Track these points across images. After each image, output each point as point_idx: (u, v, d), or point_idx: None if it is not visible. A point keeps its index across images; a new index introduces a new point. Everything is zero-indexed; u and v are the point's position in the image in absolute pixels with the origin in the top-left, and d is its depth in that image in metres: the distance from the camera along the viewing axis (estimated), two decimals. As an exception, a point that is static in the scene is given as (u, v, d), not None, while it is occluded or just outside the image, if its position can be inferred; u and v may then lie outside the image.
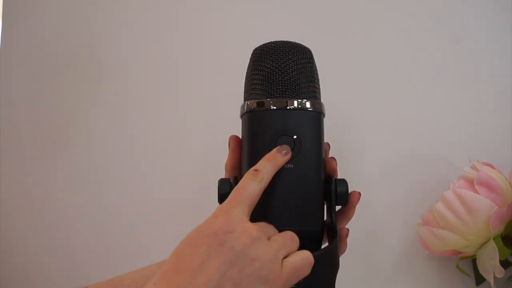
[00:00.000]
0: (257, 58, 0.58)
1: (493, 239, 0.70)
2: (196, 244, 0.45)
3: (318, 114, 0.57)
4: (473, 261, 0.76)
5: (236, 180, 0.55)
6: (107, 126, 0.98)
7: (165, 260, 0.47)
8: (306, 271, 0.49)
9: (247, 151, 0.57)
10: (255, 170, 0.51)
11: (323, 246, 0.57)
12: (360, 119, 0.85)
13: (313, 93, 0.58)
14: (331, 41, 0.87)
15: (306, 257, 0.49)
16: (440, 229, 0.71)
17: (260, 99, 0.57)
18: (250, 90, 0.58)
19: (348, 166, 0.82)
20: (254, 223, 0.48)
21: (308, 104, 0.56)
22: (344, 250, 0.57)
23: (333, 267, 0.54)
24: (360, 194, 0.57)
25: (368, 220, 0.82)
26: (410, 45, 0.85)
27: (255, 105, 0.56)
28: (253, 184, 0.50)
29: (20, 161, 1.02)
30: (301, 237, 0.52)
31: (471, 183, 0.71)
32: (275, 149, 0.54)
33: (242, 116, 0.58)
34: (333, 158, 0.57)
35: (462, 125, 0.82)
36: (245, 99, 0.59)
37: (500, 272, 0.69)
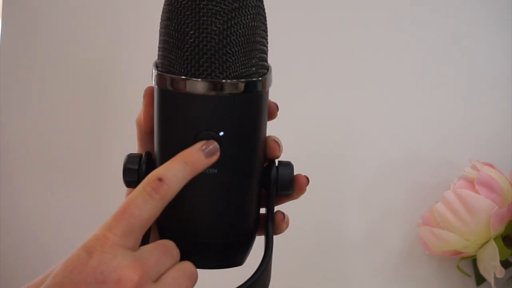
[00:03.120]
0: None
1: (494, 239, 0.70)
2: None
3: (259, 96, 0.40)
4: (474, 261, 0.76)
5: (149, 157, 0.42)
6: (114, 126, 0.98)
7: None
8: None
9: (158, 138, 0.41)
10: (159, 179, 0.37)
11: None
12: (360, 119, 0.85)
13: (258, 66, 0.40)
14: (331, 40, 0.87)
15: None
16: (440, 229, 0.71)
17: (173, 72, 0.39)
18: (161, 50, 0.40)
19: (348, 167, 0.82)
20: (140, 257, 0.36)
21: (246, 86, 0.39)
22: (284, 229, 0.45)
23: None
24: (307, 178, 0.44)
25: (368, 220, 0.82)
26: (410, 45, 0.85)
27: (166, 82, 0.39)
28: (148, 205, 0.37)
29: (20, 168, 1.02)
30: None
31: (471, 183, 0.71)
32: (197, 145, 0.39)
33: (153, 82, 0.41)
34: (275, 141, 0.43)
35: (462, 125, 0.82)
36: (156, 63, 0.41)
37: (500, 272, 0.69)
